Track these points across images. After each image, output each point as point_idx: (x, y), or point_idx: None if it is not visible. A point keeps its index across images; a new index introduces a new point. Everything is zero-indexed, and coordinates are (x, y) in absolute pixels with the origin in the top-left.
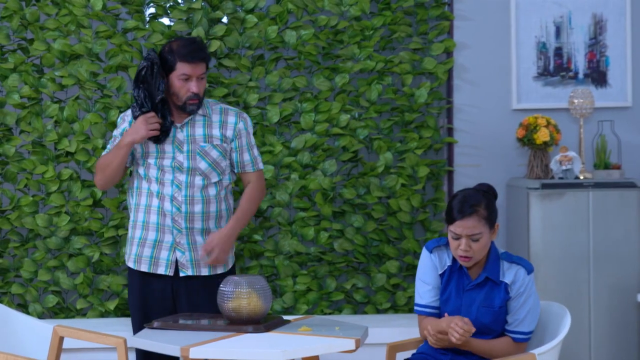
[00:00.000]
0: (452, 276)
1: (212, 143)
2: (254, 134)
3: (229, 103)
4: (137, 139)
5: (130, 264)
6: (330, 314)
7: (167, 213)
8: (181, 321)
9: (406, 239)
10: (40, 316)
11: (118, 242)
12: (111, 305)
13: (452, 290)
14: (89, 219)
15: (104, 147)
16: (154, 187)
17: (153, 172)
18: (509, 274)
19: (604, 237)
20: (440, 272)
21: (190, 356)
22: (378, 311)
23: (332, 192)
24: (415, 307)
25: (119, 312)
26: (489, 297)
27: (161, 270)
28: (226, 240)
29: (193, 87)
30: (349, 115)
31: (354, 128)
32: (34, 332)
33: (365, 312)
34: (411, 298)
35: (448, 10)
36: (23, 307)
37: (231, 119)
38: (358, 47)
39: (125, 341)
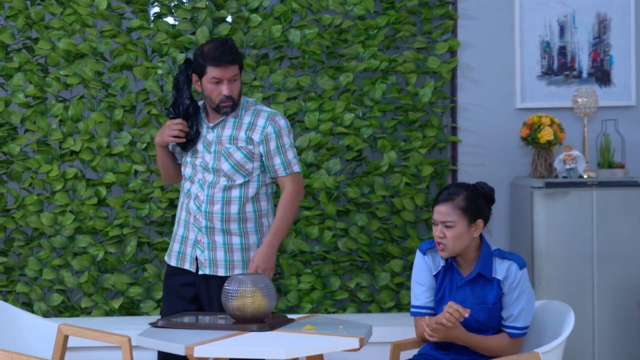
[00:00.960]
0: (446, 275)
1: (237, 145)
2: None
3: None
4: (159, 141)
5: (165, 258)
6: (334, 312)
7: (191, 211)
8: (186, 320)
9: (410, 237)
10: (45, 315)
11: (122, 241)
12: (116, 304)
13: (446, 288)
14: (93, 217)
15: (108, 146)
16: (187, 185)
17: (188, 171)
18: (501, 269)
19: (608, 236)
20: (434, 273)
21: (195, 355)
22: (382, 310)
23: (336, 191)
24: (411, 309)
25: (123, 311)
26: (482, 294)
27: (187, 266)
28: (266, 258)
29: (224, 90)
30: (353, 114)
31: (358, 127)
32: (39, 330)
33: (369, 311)
34: None
35: (452, 9)
36: (28, 306)
37: (260, 122)
38: (362, 46)
39: (129, 340)
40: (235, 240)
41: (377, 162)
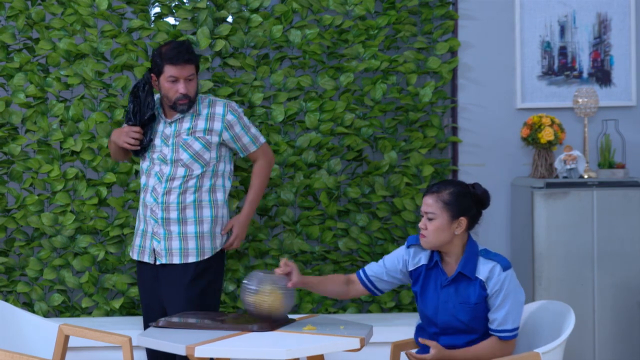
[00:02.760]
0: (430, 274)
1: (195, 135)
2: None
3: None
4: (115, 141)
5: (129, 253)
6: (334, 312)
7: (148, 204)
8: (188, 320)
9: None
10: (46, 315)
11: (123, 241)
12: (116, 304)
13: (430, 288)
14: (94, 217)
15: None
16: (144, 179)
17: (145, 165)
18: (484, 270)
19: (608, 236)
20: (411, 269)
21: (196, 355)
22: (382, 310)
23: (337, 191)
24: (358, 271)
25: (124, 311)
26: (465, 294)
27: (146, 259)
28: (245, 227)
29: (181, 88)
30: (353, 115)
31: (358, 127)
32: (40, 330)
33: (369, 311)
34: None
35: (452, 9)
36: (28, 306)
37: (219, 110)
38: (363, 46)
39: (130, 340)
40: (190, 229)
41: (378, 162)
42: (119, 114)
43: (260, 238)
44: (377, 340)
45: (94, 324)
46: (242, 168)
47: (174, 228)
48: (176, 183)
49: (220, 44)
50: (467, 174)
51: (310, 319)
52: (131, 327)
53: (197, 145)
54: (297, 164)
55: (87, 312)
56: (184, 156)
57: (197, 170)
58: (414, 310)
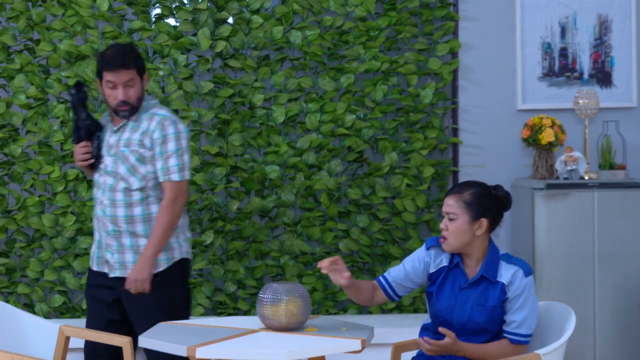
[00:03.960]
0: (449, 275)
1: (130, 148)
2: (259, 134)
3: (235, 104)
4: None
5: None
6: (335, 314)
7: (98, 216)
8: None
9: (411, 239)
10: (47, 316)
11: None
12: None
13: (448, 289)
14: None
15: None
16: (94, 191)
17: (95, 176)
18: (507, 274)
19: (609, 237)
20: (431, 271)
21: (197, 356)
22: (383, 311)
23: (338, 192)
24: (379, 277)
25: None
26: (484, 297)
27: (101, 269)
28: (139, 270)
29: (119, 94)
30: (354, 116)
31: (359, 128)
32: (40, 331)
33: (370, 312)
34: (416, 298)
35: (453, 10)
36: (29, 307)
37: (152, 125)
38: (363, 47)
39: (131, 341)
40: (142, 242)
41: (378, 163)
42: None
43: (260, 239)
44: (378, 341)
45: None
46: (242, 168)
47: (126, 241)
48: (119, 196)
49: (221, 45)
50: (468, 175)
51: (312, 320)
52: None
53: (132, 158)
54: (297, 165)
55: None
56: (122, 169)
57: (136, 184)
58: (415, 311)
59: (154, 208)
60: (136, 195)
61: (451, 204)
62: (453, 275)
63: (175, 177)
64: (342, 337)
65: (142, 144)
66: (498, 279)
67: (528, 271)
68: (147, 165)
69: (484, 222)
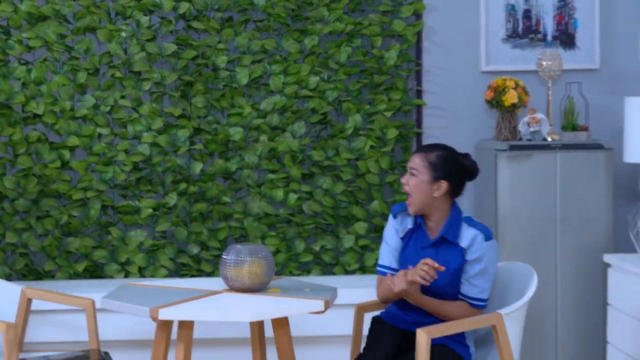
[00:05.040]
0: (413, 236)
1: None
2: (223, 95)
3: (198, 65)
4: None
5: None
6: (299, 275)
7: None
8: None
9: (375, 200)
10: (8, 278)
11: (86, 204)
12: (80, 267)
13: (412, 249)
14: (57, 181)
15: (72, 109)
16: None
17: None
18: (467, 237)
19: (572, 198)
20: (401, 236)
21: (160, 317)
22: (347, 272)
23: (301, 154)
24: (377, 268)
25: (87, 274)
26: (445, 259)
27: None
28: None
29: None
30: (318, 77)
31: (323, 90)
32: (2, 294)
33: (333, 273)
34: None
35: None
36: None
37: None
38: (327, 9)
39: (93, 302)
40: None
41: (342, 125)
42: (82, 76)
43: (224, 201)
44: (341, 302)
45: (57, 287)
46: (205, 130)
47: None
48: None
49: (184, 7)
50: (432, 137)
51: (275, 282)
52: (95, 290)
53: None
54: (261, 127)
55: (50, 275)
56: None
57: None
58: None
59: None
60: None
61: (416, 161)
62: (416, 236)
63: None
64: (305, 298)
65: None
66: (458, 242)
67: (488, 236)
68: None
69: (444, 184)
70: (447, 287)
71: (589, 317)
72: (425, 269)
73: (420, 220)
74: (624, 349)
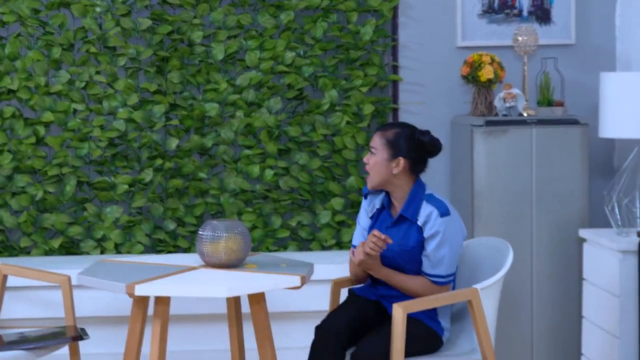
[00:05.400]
0: (380, 216)
1: None
2: (199, 71)
3: (173, 41)
4: None
5: None
6: (275, 251)
7: None
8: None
9: (351, 176)
10: None
11: (62, 180)
12: (55, 243)
13: (378, 229)
14: (32, 157)
15: (46, 85)
16: None
17: None
18: (423, 214)
19: (547, 173)
20: (370, 215)
21: (136, 293)
22: (323, 248)
23: (277, 129)
24: (351, 248)
25: (63, 251)
26: (405, 237)
27: None
28: None
29: None
30: (294, 53)
31: (299, 66)
32: None
33: (310, 249)
34: None
35: None
36: None
37: None
38: None
39: (69, 279)
40: None
41: (318, 100)
42: (56, 52)
43: (200, 177)
44: (318, 277)
45: (32, 264)
46: (181, 106)
47: None
48: None
49: None
50: (408, 113)
51: (251, 257)
52: (71, 267)
53: None
54: (237, 103)
55: (25, 251)
56: None
57: None
58: None
59: None
60: None
61: (375, 140)
62: (382, 217)
63: None
64: (281, 273)
65: None
66: (417, 219)
67: (444, 212)
68: None
69: (402, 161)
70: (407, 264)
71: (564, 291)
72: (373, 240)
73: (387, 199)
74: (599, 323)
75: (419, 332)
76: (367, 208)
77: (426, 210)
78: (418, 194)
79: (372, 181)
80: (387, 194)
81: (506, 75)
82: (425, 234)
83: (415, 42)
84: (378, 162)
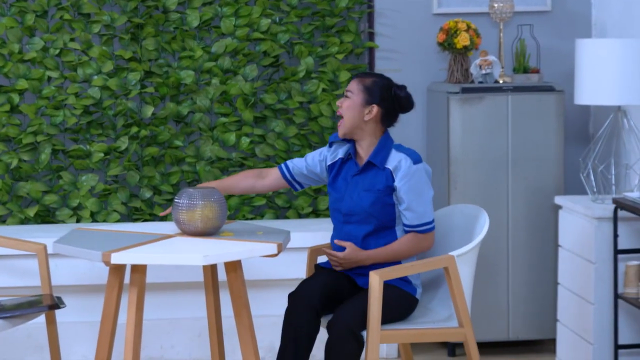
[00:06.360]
0: (343, 166)
1: None
2: (174, 38)
3: (148, 7)
4: None
5: None
6: (252, 219)
7: None
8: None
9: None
10: None
11: (37, 149)
12: (31, 212)
13: (341, 179)
14: (6, 125)
15: (20, 52)
16: None
17: None
18: (393, 160)
19: (523, 140)
20: (329, 163)
21: (112, 261)
22: (300, 216)
23: (253, 97)
24: (280, 164)
25: (39, 219)
26: (372, 182)
27: None
28: None
29: None
30: (269, 20)
31: (274, 33)
32: None
33: (287, 217)
34: None
35: None
36: None
37: None
38: None
39: (45, 247)
40: None
41: (294, 68)
42: (30, 18)
43: (175, 145)
44: (294, 245)
45: (8, 232)
46: (156, 73)
47: None
48: None
49: None
50: None
51: (228, 225)
52: (46, 235)
53: None
54: (212, 70)
55: (1, 220)
56: None
57: None
58: None
59: None
60: None
61: (352, 85)
62: (347, 167)
63: None
64: (258, 241)
65: None
66: (386, 165)
67: (417, 160)
68: None
69: (375, 109)
70: (371, 209)
71: (540, 258)
72: (331, 260)
73: (352, 150)
74: (574, 289)
75: (394, 297)
76: (328, 155)
77: (396, 157)
78: (387, 144)
79: (344, 127)
80: (353, 145)
81: (482, 42)
82: (398, 182)
83: (391, 9)
84: (351, 105)
